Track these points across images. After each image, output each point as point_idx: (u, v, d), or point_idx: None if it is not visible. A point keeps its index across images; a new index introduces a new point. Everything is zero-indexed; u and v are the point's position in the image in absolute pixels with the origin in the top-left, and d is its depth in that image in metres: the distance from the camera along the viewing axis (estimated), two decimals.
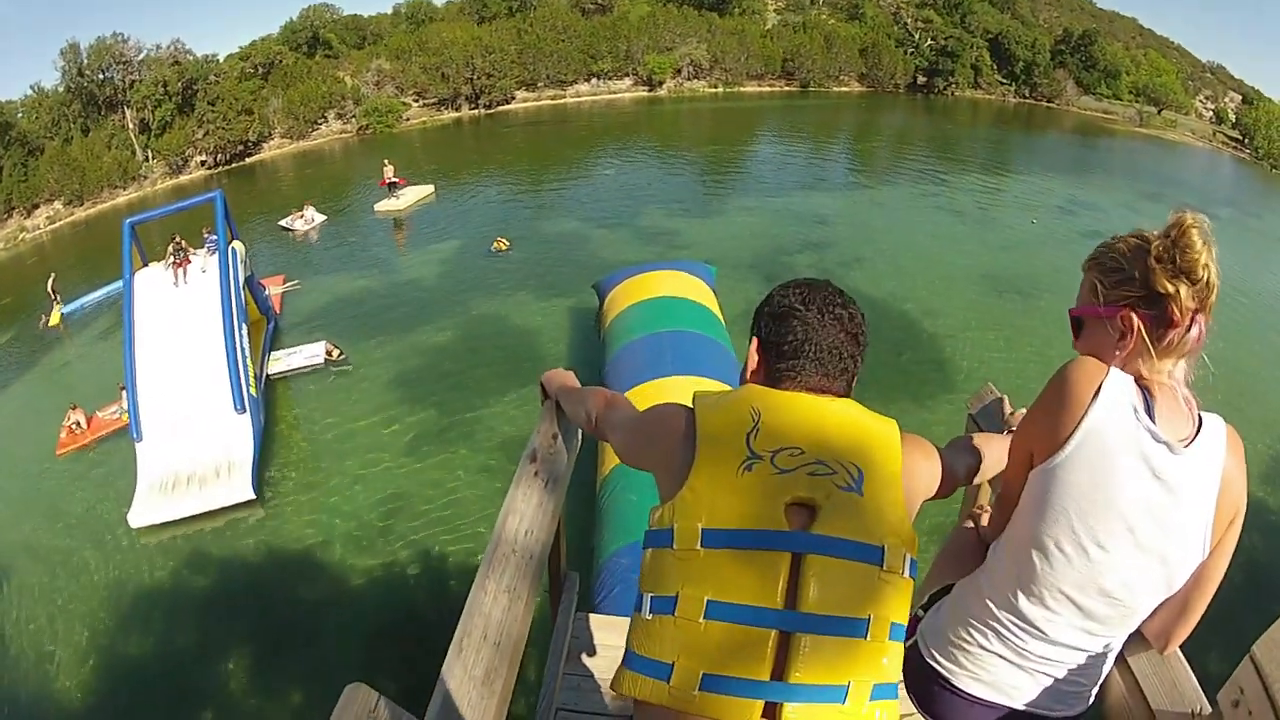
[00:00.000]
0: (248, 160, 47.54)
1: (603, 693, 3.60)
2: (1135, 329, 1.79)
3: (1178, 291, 1.72)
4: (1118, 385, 1.77)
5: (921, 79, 67.37)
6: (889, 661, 1.59)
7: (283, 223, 30.94)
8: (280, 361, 18.52)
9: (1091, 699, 2.07)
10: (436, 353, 18.94)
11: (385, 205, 32.33)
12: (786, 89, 65.62)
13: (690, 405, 1.82)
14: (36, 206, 39.69)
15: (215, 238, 18.82)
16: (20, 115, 43.30)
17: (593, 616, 4.09)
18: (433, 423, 15.83)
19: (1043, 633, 1.91)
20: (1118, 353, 1.82)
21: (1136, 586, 1.82)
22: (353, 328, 20.58)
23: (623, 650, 1.70)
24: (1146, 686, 2.08)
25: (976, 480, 2.34)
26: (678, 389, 11.78)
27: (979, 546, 2.33)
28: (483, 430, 15.46)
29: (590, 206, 31.82)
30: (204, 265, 18.45)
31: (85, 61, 44.24)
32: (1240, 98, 73.97)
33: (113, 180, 42.47)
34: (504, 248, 25.89)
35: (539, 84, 60.15)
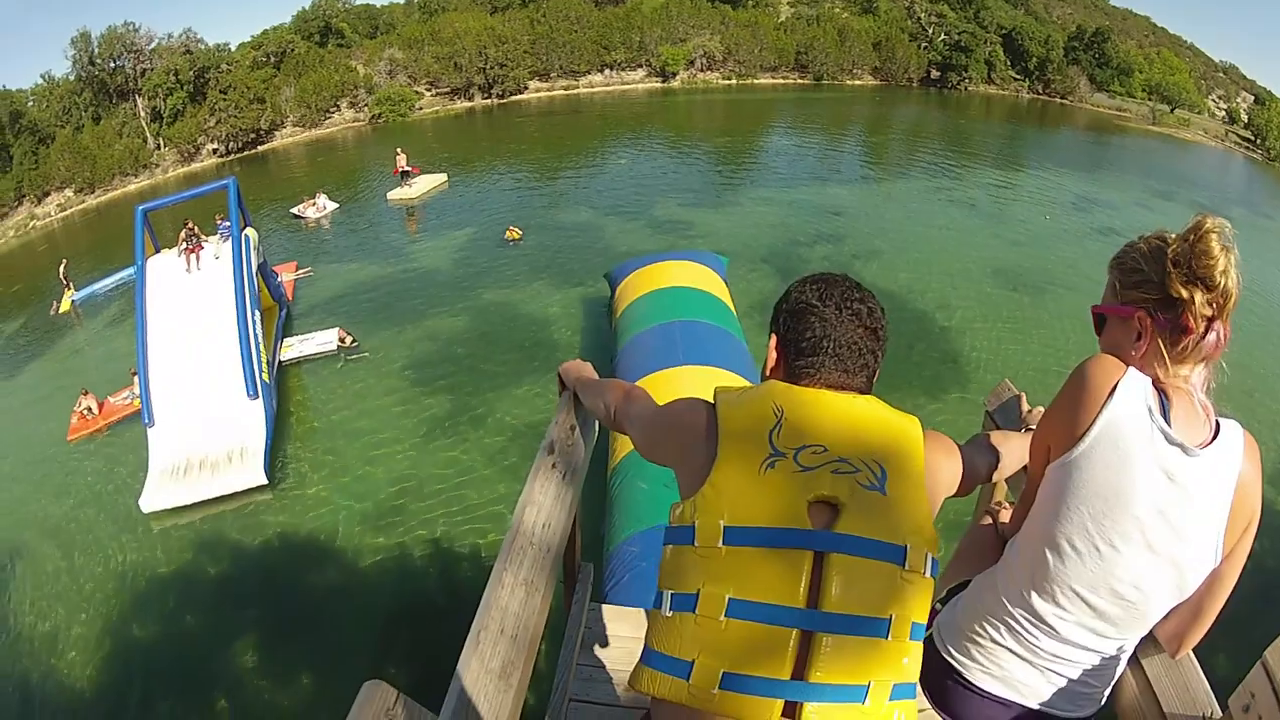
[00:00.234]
0: (260, 148, 47.71)
1: (615, 684, 3.58)
2: (1150, 332, 1.79)
3: (1192, 298, 1.71)
4: (1135, 385, 1.76)
5: (935, 73, 67.27)
6: (909, 661, 1.58)
7: (294, 210, 31.01)
8: (293, 348, 18.55)
9: (1104, 700, 2.07)
10: (449, 340, 18.94)
11: (398, 193, 32.37)
12: (800, 82, 65.54)
13: (711, 400, 1.80)
14: (47, 194, 39.85)
15: (228, 224, 18.84)
16: (31, 104, 43.45)
17: (606, 607, 4.07)
18: (445, 410, 15.83)
19: (1054, 630, 1.91)
20: (1134, 354, 1.82)
21: (1148, 588, 1.80)
22: (365, 315, 20.60)
23: (635, 641, 1.71)
24: (1159, 689, 2.07)
25: (995, 478, 2.33)
26: (689, 379, 11.88)
27: (997, 542, 2.34)
28: (494, 418, 15.46)
29: (603, 196, 31.81)
30: (217, 252, 18.48)
31: (96, 50, 44.50)
32: (1253, 98, 73.61)
33: (124, 168, 42.66)
34: (516, 237, 25.88)
35: (552, 74, 60.27)
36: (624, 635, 3.87)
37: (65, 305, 24.51)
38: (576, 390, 2.79)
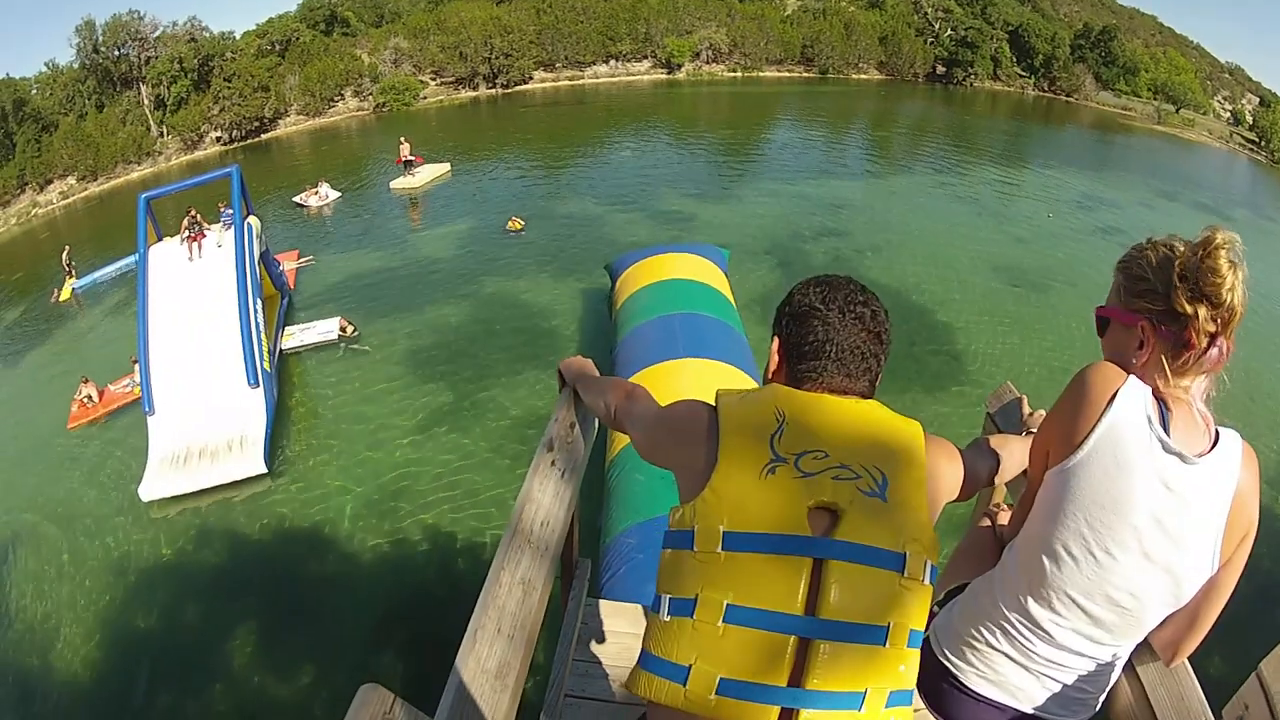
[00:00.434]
0: (263, 136, 47.71)
1: (611, 679, 3.58)
2: (1152, 342, 1.79)
3: (1196, 314, 1.70)
4: (1134, 393, 1.76)
5: (941, 69, 67.16)
6: (906, 669, 1.58)
7: (297, 199, 31.06)
8: (294, 337, 18.54)
9: (1098, 706, 2.07)
10: (450, 330, 18.97)
11: (401, 183, 32.36)
12: (805, 75, 65.45)
13: (713, 403, 1.79)
14: (50, 182, 39.90)
15: (231, 213, 18.82)
16: (34, 92, 43.44)
17: (603, 603, 4.08)
18: (444, 400, 15.85)
19: (1049, 635, 1.91)
20: (1134, 361, 1.82)
21: (1143, 596, 1.81)
22: (366, 304, 20.60)
23: (631, 636, 1.70)
24: (1154, 697, 2.07)
25: (996, 482, 2.32)
26: (689, 371, 11.89)
27: (995, 545, 2.35)
28: (494, 409, 15.47)
29: (606, 188, 31.81)
30: (219, 240, 18.49)
31: (101, 38, 44.56)
32: (1258, 100, 73.47)
33: (127, 156, 42.71)
34: (519, 227, 25.90)
35: (557, 65, 60.22)
36: (620, 631, 3.87)
37: (66, 294, 24.53)
38: (576, 387, 2.77)
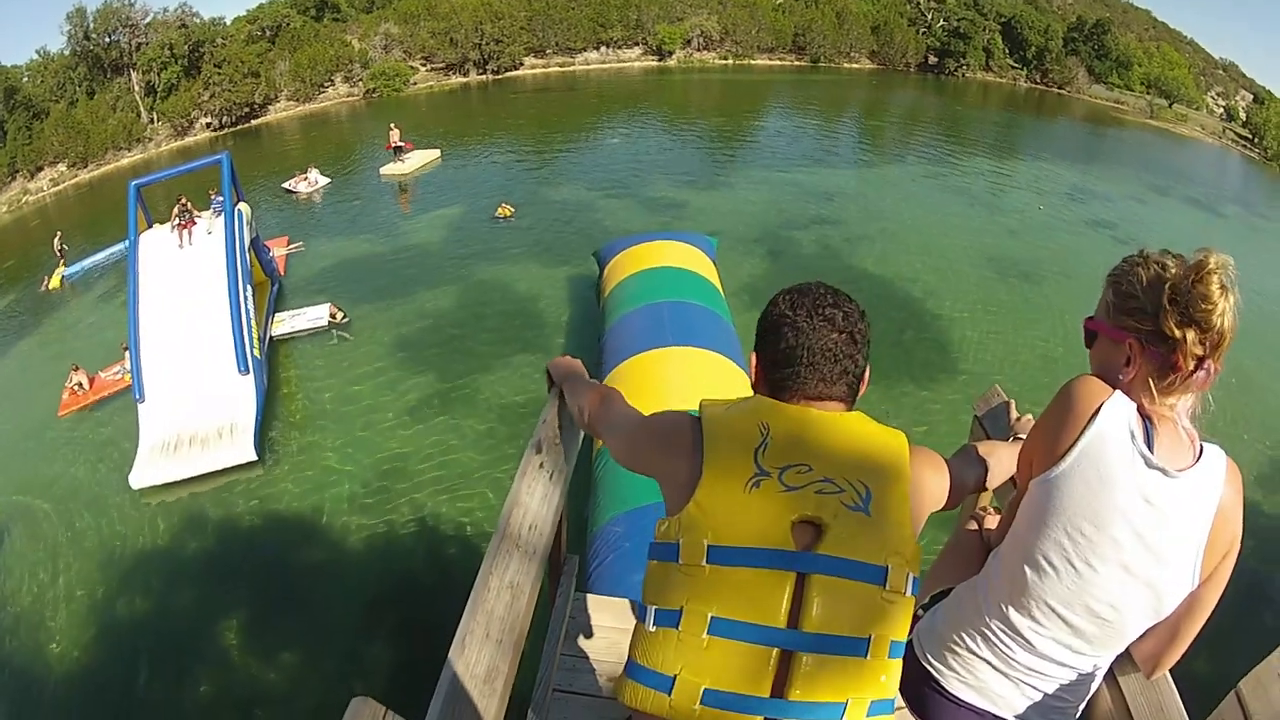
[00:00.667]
0: (253, 122, 47.51)
1: (598, 674, 3.60)
2: (1139, 360, 1.78)
3: (1185, 337, 1.69)
4: (1118, 408, 1.77)
5: (933, 59, 67.11)
6: (887, 679, 1.60)
7: (286, 185, 30.94)
8: (284, 323, 18.50)
9: (1077, 715, 2.08)
10: (438, 317, 18.95)
11: (390, 169, 32.30)
12: (796, 64, 65.42)
13: (696, 414, 1.80)
14: (40, 169, 39.71)
15: (221, 199, 18.77)
16: (26, 79, 43.20)
17: (590, 598, 4.08)
18: (433, 387, 15.86)
19: (1029, 643, 1.92)
20: (1121, 378, 1.82)
21: (1123, 608, 1.82)
22: (356, 290, 20.56)
23: (618, 631, 1.72)
24: (1134, 707, 2.09)
25: (986, 489, 2.33)
26: (676, 360, 11.93)
27: (980, 550, 2.35)
28: (482, 396, 15.50)
29: (596, 175, 31.75)
30: (209, 227, 18.43)
31: (92, 25, 44.27)
32: (1252, 96, 73.48)
33: (117, 142, 42.52)
34: (508, 214, 25.87)
35: (548, 51, 60.05)
36: (607, 625, 3.88)
37: (55, 282, 24.39)
38: (563, 388, 2.75)
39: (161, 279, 16.86)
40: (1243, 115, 67.20)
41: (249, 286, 17.31)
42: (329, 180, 31.60)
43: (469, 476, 13.25)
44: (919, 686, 2.16)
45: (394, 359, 17.06)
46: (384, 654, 10.15)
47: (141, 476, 13.49)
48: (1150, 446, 1.72)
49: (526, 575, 2.30)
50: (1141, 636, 1.92)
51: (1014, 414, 2.95)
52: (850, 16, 66.04)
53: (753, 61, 64.47)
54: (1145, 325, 1.76)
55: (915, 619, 2.23)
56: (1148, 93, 66.92)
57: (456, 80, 56.47)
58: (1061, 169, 38.10)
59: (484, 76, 57.03)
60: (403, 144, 32.77)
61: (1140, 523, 1.73)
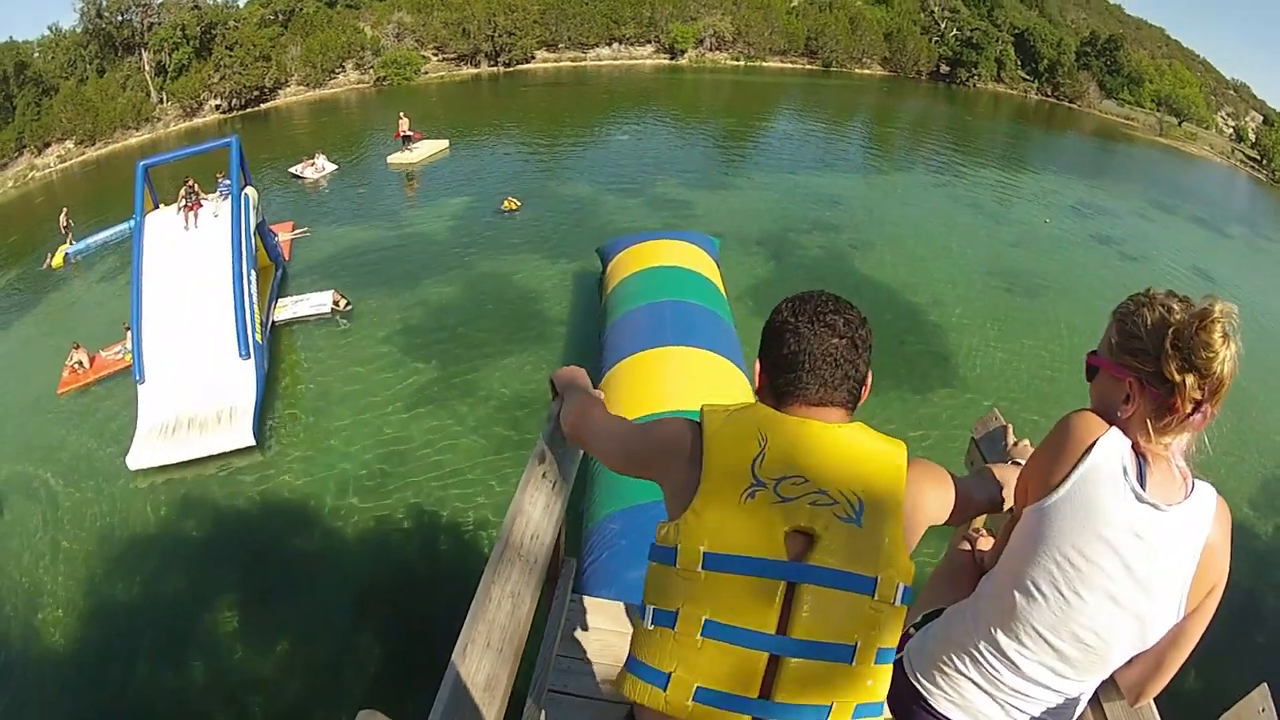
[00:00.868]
0: (263, 106, 47.47)
1: (593, 676, 3.64)
2: (1138, 399, 1.80)
3: (1184, 381, 1.71)
4: (1113, 444, 1.80)
5: (945, 68, 66.93)
6: (874, 684, 1.67)
7: (293, 170, 30.95)
8: (286, 309, 18.53)
9: None
10: (441, 308, 18.96)
11: (398, 158, 32.31)
12: (808, 67, 65.22)
13: (696, 420, 1.84)
14: (48, 145, 39.70)
15: (229, 183, 18.78)
16: (36, 55, 43.18)
17: (587, 600, 4.15)
18: (433, 378, 15.87)
19: (1016, 666, 1.96)
20: (1119, 414, 1.84)
21: (1109, 637, 1.86)
22: (359, 278, 20.59)
23: (614, 634, 1.75)
24: None
25: (999, 509, 2.33)
26: (676, 359, 11.98)
27: (972, 571, 2.39)
28: (482, 388, 15.50)
29: (603, 171, 31.75)
30: (216, 210, 18.42)
31: (104, 3, 44.15)
32: (1262, 118, 73.38)
33: (125, 121, 42.49)
34: (514, 208, 25.89)
35: (560, 45, 59.92)
36: (603, 628, 3.96)
37: (58, 260, 24.34)
38: (565, 397, 2.75)
39: (166, 260, 16.86)
40: (1252, 136, 67.04)
41: (253, 271, 17.30)
42: (336, 167, 31.62)
43: (467, 466, 13.29)
44: (907, 704, 2.21)
45: (395, 347, 17.07)
46: (378, 642, 10.17)
47: (139, 458, 13.49)
48: (1142, 483, 1.77)
49: (527, 585, 2.35)
50: (1127, 664, 1.97)
51: (1011, 438, 3.00)
52: (864, 22, 65.88)
53: (764, 64, 64.33)
54: (1147, 366, 1.78)
55: (906, 637, 2.30)
56: (1158, 110, 66.79)
57: (468, 71, 56.41)
58: (1069, 183, 38.03)
59: (495, 68, 56.93)
60: (411, 133, 32.74)
61: (1129, 556, 1.78)
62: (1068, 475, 1.81)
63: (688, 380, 11.37)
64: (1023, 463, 2.36)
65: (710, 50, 63.78)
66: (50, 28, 45.28)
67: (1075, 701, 2.03)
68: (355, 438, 14.11)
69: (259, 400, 14.68)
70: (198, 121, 45.08)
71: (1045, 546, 1.84)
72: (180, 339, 15.22)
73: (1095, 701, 2.16)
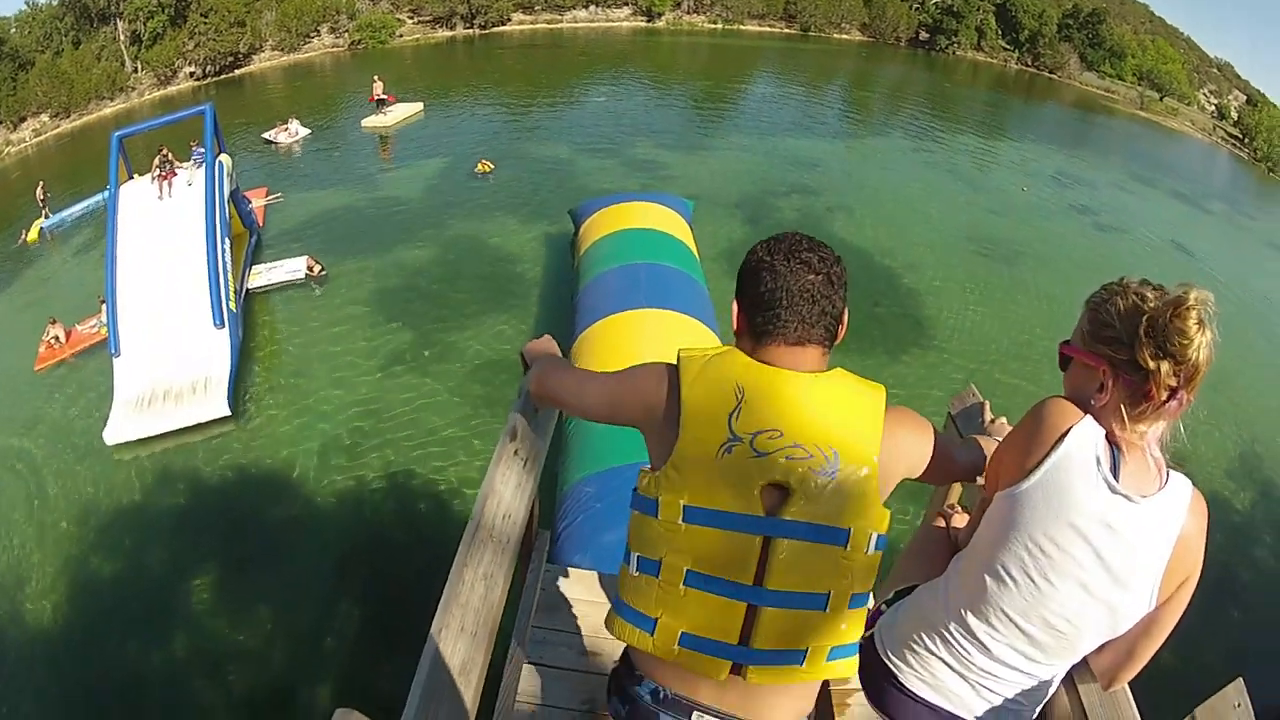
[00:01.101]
0: (237, 72, 46.81)
1: (570, 647, 3.65)
2: (1111, 387, 1.79)
3: (1158, 369, 1.69)
4: (1087, 433, 1.79)
5: (924, 35, 66.49)
6: (847, 627, 1.79)
7: (266, 135, 30.58)
8: (261, 276, 18.36)
9: (1034, 718, 2.14)
10: (415, 272, 18.91)
11: (372, 121, 32.08)
12: (786, 31, 64.66)
13: (674, 363, 1.88)
14: (23, 120, 39.09)
15: (202, 151, 18.61)
16: (14, 31, 42.45)
17: (561, 571, 4.14)
18: (408, 342, 15.85)
19: (986, 649, 1.98)
20: (1093, 403, 1.83)
21: (1079, 623, 1.86)
22: (333, 242, 20.48)
23: (590, 604, 1.77)
24: (1093, 717, 2.15)
25: (977, 478, 2.34)
26: (651, 321, 11.93)
27: (946, 548, 2.40)
28: (456, 352, 15.52)
29: (578, 133, 31.60)
30: (190, 179, 18.23)
31: None
32: (1245, 98, 73.24)
33: (100, 92, 41.90)
34: (488, 170, 25.79)
35: (536, 7, 59.23)
36: (580, 599, 3.96)
37: (33, 234, 24.02)
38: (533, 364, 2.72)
39: (140, 231, 16.69)
40: (1234, 115, 66.99)
41: (227, 239, 17.19)
42: (310, 131, 31.31)
43: (441, 430, 13.34)
44: (879, 681, 2.23)
45: (370, 313, 17.03)
46: (358, 607, 10.25)
47: (116, 432, 13.41)
48: (1115, 473, 1.76)
49: (500, 566, 2.34)
50: (1100, 650, 1.98)
51: (988, 415, 2.97)
52: None
53: (742, 27, 63.76)
54: (1120, 354, 1.77)
55: (878, 613, 2.33)
56: (1139, 84, 66.65)
57: (443, 34, 55.74)
58: (1047, 152, 38.00)
59: (471, 31, 56.27)
60: (385, 96, 32.61)
61: (1100, 545, 1.77)
62: (1040, 462, 1.80)
63: (661, 343, 11.20)
64: (999, 440, 2.37)
65: (688, 13, 63.22)
66: (27, 2, 44.55)
67: (1047, 684, 2.05)
68: (331, 403, 14.10)
69: (234, 369, 14.59)
70: (172, 90, 44.42)
71: (1016, 532, 1.84)
72: (155, 310, 15.08)
73: (1070, 682, 2.18)
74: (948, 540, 2.48)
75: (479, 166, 25.91)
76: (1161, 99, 65.06)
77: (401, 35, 53.87)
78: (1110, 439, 1.79)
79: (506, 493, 2.53)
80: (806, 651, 1.75)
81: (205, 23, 44.58)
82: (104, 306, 15.67)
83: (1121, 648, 1.96)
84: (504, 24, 57.55)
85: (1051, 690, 2.08)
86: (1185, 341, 1.66)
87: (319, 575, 10.73)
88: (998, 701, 2.06)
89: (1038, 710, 2.12)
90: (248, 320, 16.75)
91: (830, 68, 54.44)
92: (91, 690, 9.44)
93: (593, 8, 61.46)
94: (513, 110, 35.79)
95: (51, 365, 16.09)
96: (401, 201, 23.64)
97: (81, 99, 40.96)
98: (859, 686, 2.34)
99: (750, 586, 1.72)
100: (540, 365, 2.44)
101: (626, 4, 62.36)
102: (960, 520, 2.59)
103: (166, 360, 14.43)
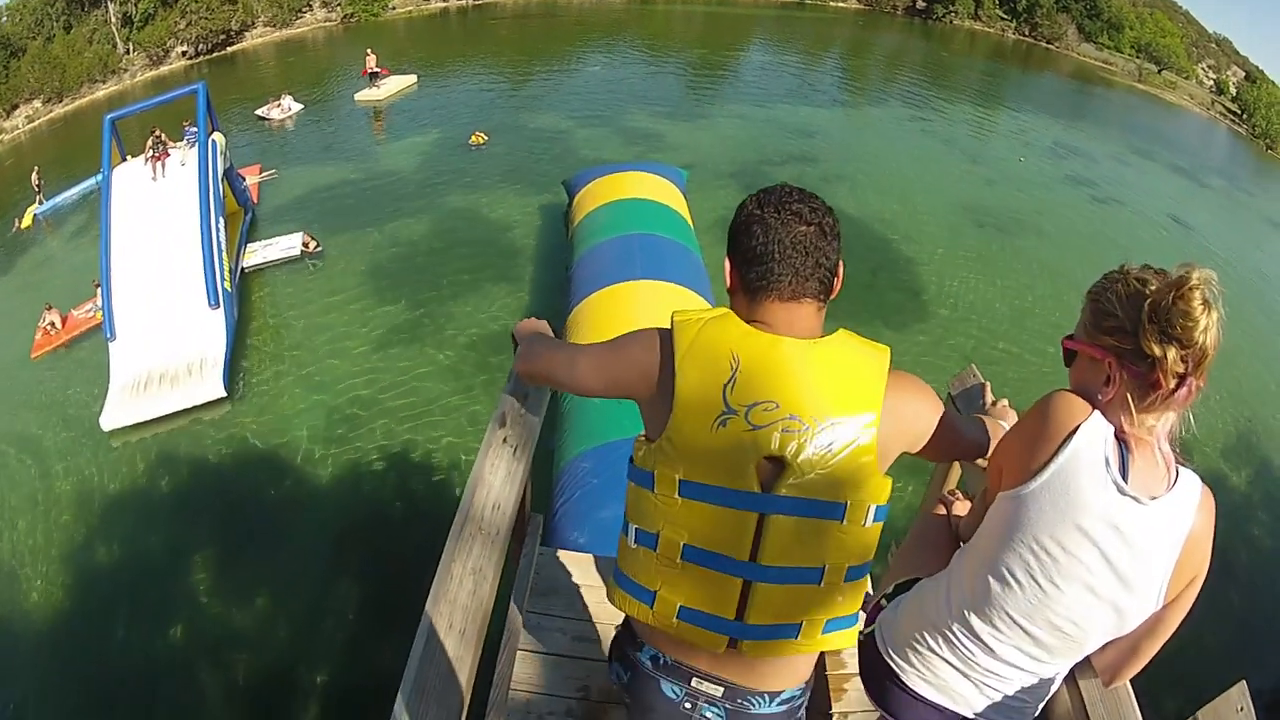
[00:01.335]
0: (229, 49, 46.44)
1: (564, 632, 3.61)
2: (1119, 379, 1.73)
3: (1165, 355, 1.63)
4: (1095, 431, 1.72)
5: (921, 3, 66.02)
6: (844, 600, 1.79)
7: (259, 112, 30.37)
8: (256, 254, 18.26)
9: (1035, 715, 2.11)
10: (410, 245, 18.85)
11: (366, 95, 31.86)
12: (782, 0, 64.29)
13: (667, 327, 1.83)
14: (16, 107, 38.86)
15: (195, 130, 18.50)
16: (4, 20, 42.16)
17: (556, 554, 4.09)
18: (403, 318, 15.81)
19: (990, 649, 1.94)
20: (1100, 397, 1.77)
21: (1086, 625, 1.82)
22: (328, 218, 20.40)
23: (585, 588, 2.26)
24: (1093, 713, 2.13)
25: (981, 462, 2.30)
26: (646, 293, 11.90)
27: (948, 537, 2.36)
28: (452, 326, 15.48)
29: (573, 103, 31.42)
30: (183, 158, 18.14)
31: None
32: (1244, 74, 72.69)
33: (92, 75, 41.65)
34: (482, 142, 25.64)
35: None
36: (574, 582, 3.90)
37: (27, 221, 23.88)
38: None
39: (134, 213, 16.61)
40: (1233, 90, 66.48)
41: (221, 219, 17.11)
42: (302, 107, 31.11)
43: (437, 405, 13.32)
44: (880, 680, 2.21)
45: (366, 288, 16.98)
46: (356, 585, 10.24)
47: (112, 418, 13.35)
48: (1125, 474, 1.69)
49: (489, 559, 2.29)
50: (1103, 647, 1.93)
51: (989, 397, 2.91)
52: None
53: None
54: (1125, 344, 1.71)
55: (878, 609, 2.31)
56: (1137, 57, 66.12)
57: (436, 5, 55.28)
58: (1045, 123, 37.62)
59: (464, 2, 55.91)
60: (378, 70, 32.32)
61: (1108, 548, 1.72)
62: (1047, 463, 1.74)
63: (656, 315, 11.09)
64: (1005, 425, 2.33)
65: None
66: None
67: (1050, 681, 2.02)
68: (327, 382, 14.06)
69: (229, 350, 14.52)
70: (164, 70, 44.10)
71: (1021, 534, 1.79)
72: (150, 292, 15.01)
73: (1071, 678, 2.16)
74: (948, 529, 2.44)
75: (473, 138, 25.73)
76: (1160, 72, 64.54)
77: (394, 8, 53.44)
78: (1119, 436, 1.73)
79: (496, 482, 2.49)
80: (801, 625, 1.76)
81: (196, 1, 44.26)
82: (99, 291, 15.60)
83: (1125, 646, 1.93)
84: None
85: (1055, 686, 2.05)
86: (1191, 324, 1.61)
87: (318, 553, 10.74)
88: (1001, 699, 2.03)
89: (1040, 706, 2.09)
90: (244, 299, 16.67)
91: (826, 36, 54.12)
92: (93, 676, 9.44)
93: None
94: (507, 81, 35.59)
95: (48, 352, 16.02)
96: (396, 175, 23.53)
97: (74, 83, 40.70)
98: (856, 672, 2.32)
99: (745, 562, 1.71)
100: (528, 344, 2.38)
101: None
102: (961, 508, 2.53)
103: (162, 343, 14.36)
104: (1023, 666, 1.94)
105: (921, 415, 1.86)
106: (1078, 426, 1.73)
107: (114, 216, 16.39)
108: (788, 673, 1.88)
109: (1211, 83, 69.42)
